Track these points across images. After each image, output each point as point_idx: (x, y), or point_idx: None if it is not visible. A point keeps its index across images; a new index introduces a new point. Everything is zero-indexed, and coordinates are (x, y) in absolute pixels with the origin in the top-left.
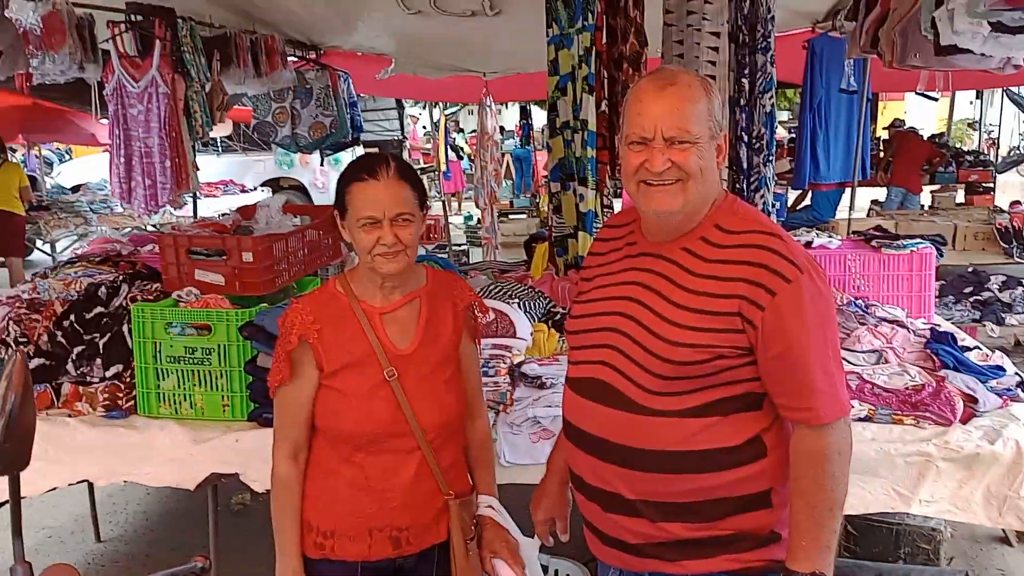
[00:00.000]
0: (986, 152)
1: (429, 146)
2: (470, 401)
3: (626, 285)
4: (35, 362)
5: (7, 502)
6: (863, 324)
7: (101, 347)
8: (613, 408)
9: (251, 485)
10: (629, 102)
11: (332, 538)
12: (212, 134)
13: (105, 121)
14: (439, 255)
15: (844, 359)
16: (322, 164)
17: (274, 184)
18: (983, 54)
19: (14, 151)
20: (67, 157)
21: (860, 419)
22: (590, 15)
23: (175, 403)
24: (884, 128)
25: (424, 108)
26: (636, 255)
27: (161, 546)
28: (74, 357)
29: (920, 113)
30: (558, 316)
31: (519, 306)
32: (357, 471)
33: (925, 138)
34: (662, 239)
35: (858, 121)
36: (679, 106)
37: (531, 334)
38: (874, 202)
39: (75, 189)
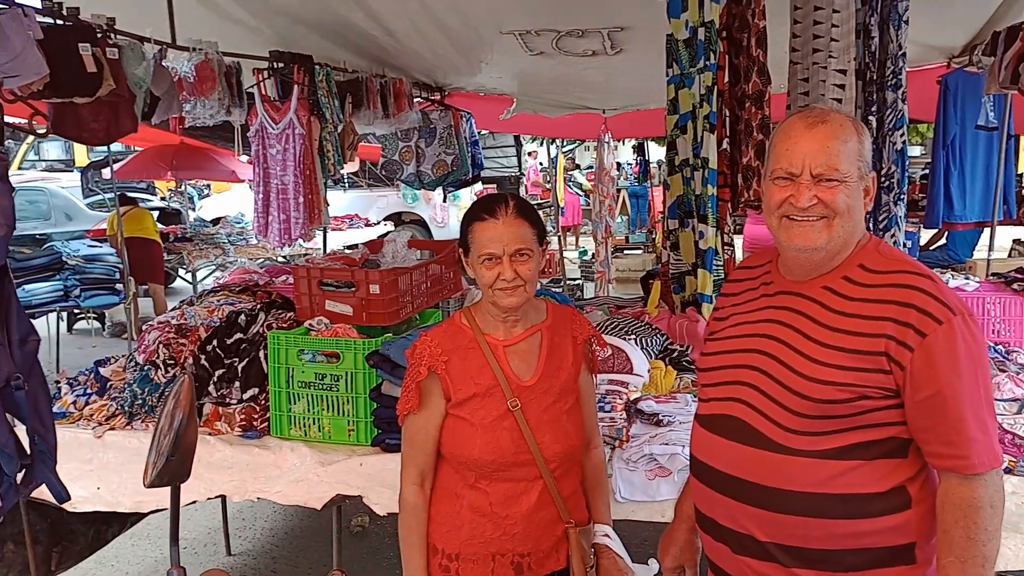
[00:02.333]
0: None
1: (546, 182)
2: (587, 431)
3: (764, 323)
4: None
5: (160, 510)
6: (1004, 371)
7: (240, 371)
8: (749, 446)
9: (373, 508)
10: (777, 138)
11: (457, 561)
12: (342, 171)
13: (244, 158)
14: (554, 289)
15: None
16: (444, 200)
17: (396, 218)
18: None
19: (153, 194)
20: (206, 192)
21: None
22: (712, 55)
23: (305, 426)
24: None
25: (542, 145)
26: (773, 294)
27: (285, 562)
28: (215, 379)
29: None
30: (675, 353)
31: (636, 342)
32: (481, 497)
33: None
34: (801, 277)
35: (998, 158)
36: (829, 144)
37: (648, 371)
38: (1017, 242)
39: (215, 222)
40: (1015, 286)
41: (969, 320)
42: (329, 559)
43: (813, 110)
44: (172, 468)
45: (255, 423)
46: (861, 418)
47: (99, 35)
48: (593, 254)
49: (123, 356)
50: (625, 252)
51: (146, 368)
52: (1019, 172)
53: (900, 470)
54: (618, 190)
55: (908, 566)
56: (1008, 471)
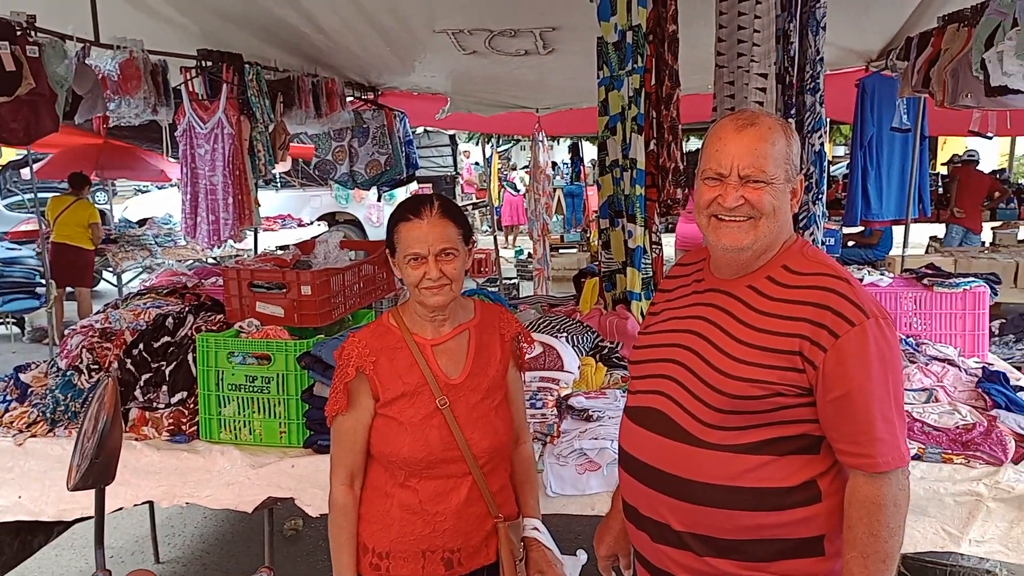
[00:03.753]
0: None
1: (481, 182)
2: (515, 427)
3: (690, 319)
4: None
5: (86, 519)
6: (914, 362)
7: (167, 374)
8: (668, 438)
9: (305, 509)
10: (709, 139)
11: (387, 559)
12: (273, 171)
13: (174, 160)
14: (490, 288)
15: None
16: (379, 200)
17: (330, 218)
18: None
19: (103, 188)
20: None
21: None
22: (640, 58)
23: (235, 429)
24: (943, 164)
25: (477, 144)
26: (703, 291)
27: (215, 568)
28: (142, 384)
29: (980, 149)
30: (605, 350)
31: (567, 340)
32: (411, 495)
33: (985, 173)
34: (729, 276)
35: (911, 159)
36: (756, 146)
37: (578, 367)
38: (933, 239)
39: (141, 223)
40: (925, 281)
41: (883, 323)
42: (261, 563)
43: (743, 113)
44: (96, 471)
45: (184, 427)
46: (775, 415)
47: (18, 33)
48: (529, 253)
49: (44, 362)
50: (560, 251)
51: (69, 373)
52: (933, 172)
53: (811, 466)
54: (554, 189)
55: (817, 558)
56: (917, 457)
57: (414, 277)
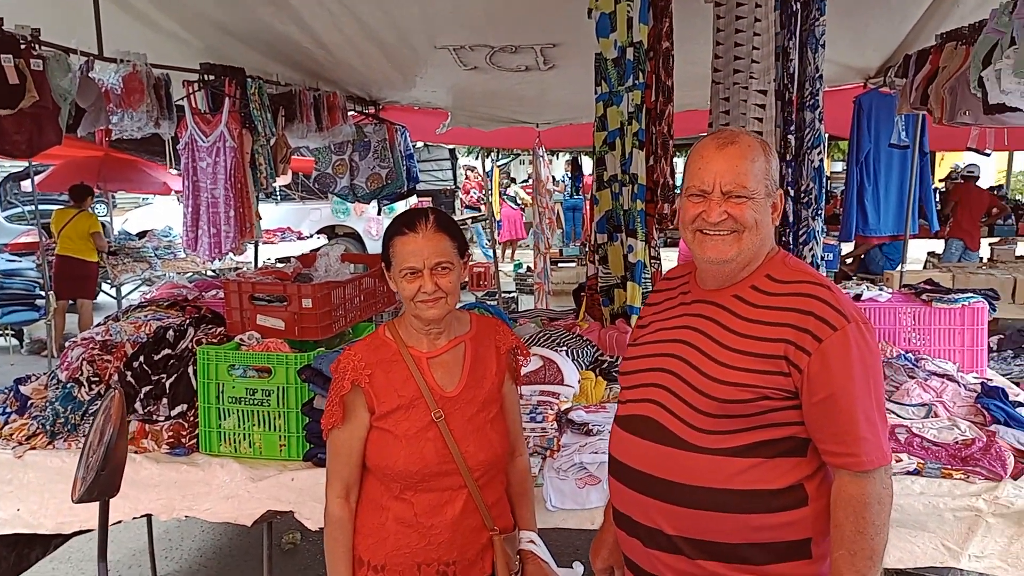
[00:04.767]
0: None
1: (482, 194)
2: (511, 440)
3: (679, 329)
4: None
5: (84, 532)
6: (912, 378)
7: (167, 387)
8: (659, 444)
9: (304, 523)
10: (691, 157)
11: (383, 572)
12: (275, 184)
13: (175, 171)
14: (489, 302)
15: (893, 412)
16: (379, 213)
17: (329, 231)
18: None
19: (103, 200)
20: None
21: (909, 472)
22: (640, 74)
23: (235, 442)
24: (941, 180)
25: (477, 158)
26: (690, 303)
27: None
28: (142, 396)
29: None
30: (605, 364)
31: (567, 354)
32: (406, 508)
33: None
34: (714, 287)
35: (910, 175)
36: (737, 164)
37: (578, 381)
38: (931, 254)
39: (141, 235)
40: (924, 296)
41: (863, 327)
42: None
43: (723, 132)
44: (102, 483)
45: (183, 440)
46: (762, 418)
47: (23, 46)
48: (529, 267)
49: (44, 374)
50: (559, 265)
51: (69, 386)
52: (935, 187)
53: (798, 468)
54: (554, 203)
55: (804, 561)
56: (916, 472)
57: (409, 291)
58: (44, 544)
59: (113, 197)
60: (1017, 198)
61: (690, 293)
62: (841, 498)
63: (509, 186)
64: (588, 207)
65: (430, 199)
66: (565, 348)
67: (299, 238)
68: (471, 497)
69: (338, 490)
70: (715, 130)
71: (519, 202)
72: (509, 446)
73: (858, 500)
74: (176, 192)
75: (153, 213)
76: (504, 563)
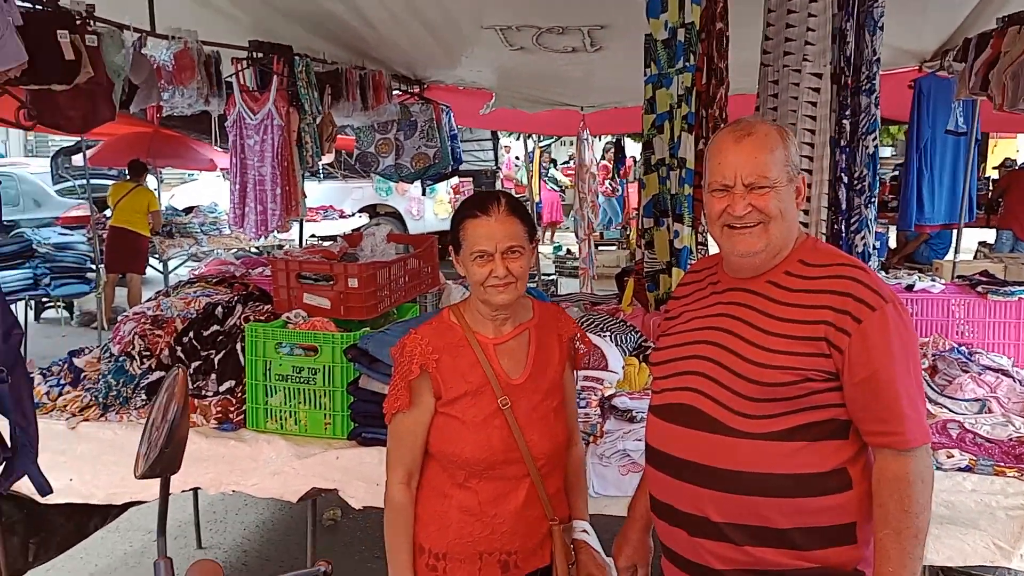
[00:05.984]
0: None
1: (521, 176)
2: (569, 428)
3: (714, 317)
4: (156, 375)
5: (134, 504)
6: (966, 372)
7: (216, 363)
8: (701, 431)
9: (349, 501)
10: (710, 152)
11: (444, 560)
12: (320, 163)
13: (222, 149)
14: (530, 285)
15: (946, 406)
16: (424, 194)
17: (371, 210)
18: None
19: (153, 174)
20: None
21: (961, 469)
22: (692, 56)
23: (281, 419)
24: (994, 168)
25: (518, 139)
26: (722, 291)
27: (256, 555)
28: (192, 372)
29: None
30: (648, 350)
31: (611, 339)
32: (470, 496)
33: None
34: (748, 276)
35: (965, 162)
36: (756, 155)
37: (622, 368)
38: (982, 244)
39: (187, 211)
40: (979, 288)
41: (900, 308)
42: (300, 552)
43: (740, 123)
44: (164, 460)
45: (231, 416)
46: (805, 400)
47: (78, 22)
48: (568, 249)
49: (97, 347)
50: (599, 248)
51: (121, 359)
52: (984, 176)
53: (841, 451)
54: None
55: (850, 546)
56: (968, 469)
57: (480, 275)
58: (103, 514)
59: (160, 172)
60: None
61: (720, 283)
62: (885, 477)
63: (549, 169)
64: (627, 191)
65: (471, 180)
66: (609, 333)
67: (341, 216)
68: (534, 487)
69: (400, 476)
70: (768, 112)
71: (559, 184)
72: (569, 435)
73: (902, 478)
74: (222, 169)
75: (198, 189)
76: (563, 553)
